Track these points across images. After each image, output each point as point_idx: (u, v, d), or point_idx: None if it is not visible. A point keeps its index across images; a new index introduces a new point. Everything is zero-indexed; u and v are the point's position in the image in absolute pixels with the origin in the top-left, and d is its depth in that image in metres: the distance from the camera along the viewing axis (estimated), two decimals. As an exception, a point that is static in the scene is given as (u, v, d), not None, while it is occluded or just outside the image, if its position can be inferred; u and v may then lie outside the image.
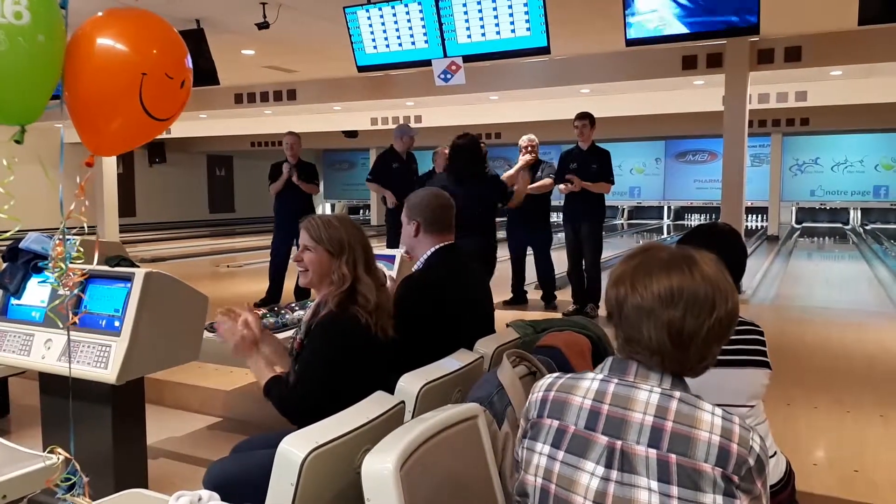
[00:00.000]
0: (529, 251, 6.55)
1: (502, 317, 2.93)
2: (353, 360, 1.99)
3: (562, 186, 6.14)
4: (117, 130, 1.79)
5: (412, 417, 1.80)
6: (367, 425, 1.58)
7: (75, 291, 2.06)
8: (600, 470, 1.15)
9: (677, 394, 1.18)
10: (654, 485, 1.12)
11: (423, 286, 2.41)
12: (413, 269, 2.50)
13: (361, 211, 22.94)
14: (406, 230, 2.49)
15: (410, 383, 1.89)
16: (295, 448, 1.44)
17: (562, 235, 6.50)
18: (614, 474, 1.15)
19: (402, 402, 1.78)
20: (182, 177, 20.09)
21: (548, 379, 1.29)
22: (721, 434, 1.13)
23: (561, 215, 6.49)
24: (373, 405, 1.69)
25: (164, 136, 15.40)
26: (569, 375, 1.27)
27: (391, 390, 1.88)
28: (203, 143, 18.65)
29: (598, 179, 6.01)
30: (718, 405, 1.87)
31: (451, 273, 2.46)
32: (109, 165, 10.34)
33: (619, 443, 1.15)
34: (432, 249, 2.46)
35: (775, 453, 1.95)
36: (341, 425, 1.55)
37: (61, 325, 1.81)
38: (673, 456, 1.12)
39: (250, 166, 21.84)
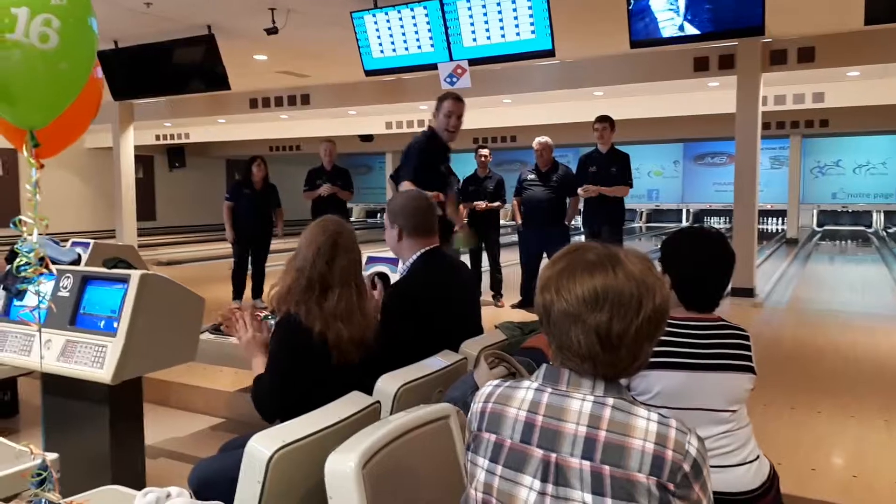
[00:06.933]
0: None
1: (507, 319, 2.93)
2: (300, 362, 1.99)
3: (580, 191, 6.14)
4: (68, 139, 1.83)
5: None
6: (337, 425, 1.60)
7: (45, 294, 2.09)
8: (537, 484, 1.14)
9: (610, 400, 1.15)
10: (589, 498, 1.10)
11: (407, 295, 2.39)
12: (398, 275, 2.49)
13: (379, 214, 23.02)
14: (389, 235, 2.49)
15: (388, 384, 1.90)
16: (262, 446, 1.46)
17: (574, 239, 6.48)
18: (549, 488, 1.13)
19: (378, 402, 1.79)
20: (202, 181, 20.29)
21: (488, 388, 1.26)
22: (655, 441, 1.10)
23: (580, 219, 6.48)
24: (346, 405, 1.70)
25: (183, 140, 15.65)
26: (507, 384, 1.24)
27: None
28: (222, 148, 18.85)
29: (617, 183, 5.97)
30: (698, 409, 1.87)
31: (434, 280, 2.44)
32: (127, 170, 10.43)
33: (553, 456, 1.13)
34: (416, 255, 2.45)
35: (758, 457, 1.93)
36: (310, 425, 1.56)
37: (36, 327, 1.85)
38: (606, 467, 1.10)
39: (269, 170, 21.97)
